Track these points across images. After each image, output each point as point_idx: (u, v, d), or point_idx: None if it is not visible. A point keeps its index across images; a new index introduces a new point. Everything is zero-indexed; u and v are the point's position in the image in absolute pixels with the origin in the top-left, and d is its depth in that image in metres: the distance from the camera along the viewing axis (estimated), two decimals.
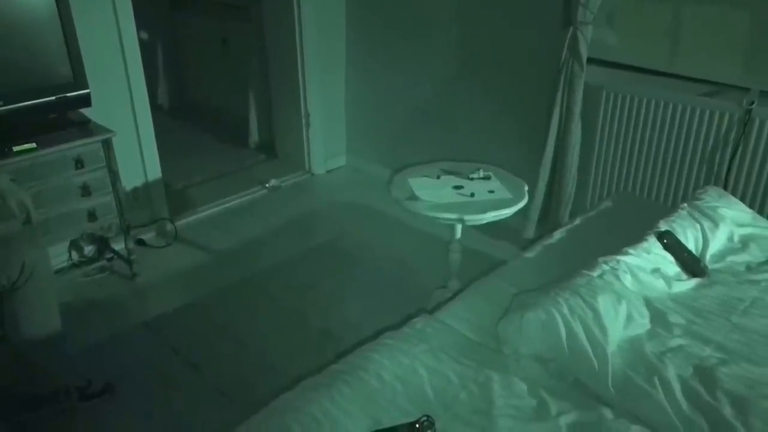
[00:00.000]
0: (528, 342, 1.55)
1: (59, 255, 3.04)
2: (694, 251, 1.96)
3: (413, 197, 2.35)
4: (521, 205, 2.37)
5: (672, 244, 1.93)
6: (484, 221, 2.31)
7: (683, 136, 2.69)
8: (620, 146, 2.90)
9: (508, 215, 2.33)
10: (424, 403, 1.43)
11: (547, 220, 3.17)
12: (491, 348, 1.61)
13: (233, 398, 2.34)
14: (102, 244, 3.16)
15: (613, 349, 1.50)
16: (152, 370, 2.47)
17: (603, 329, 1.50)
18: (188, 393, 2.36)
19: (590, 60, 2.83)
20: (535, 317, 1.53)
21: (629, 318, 1.60)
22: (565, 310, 1.52)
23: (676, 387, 1.41)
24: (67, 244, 3.07)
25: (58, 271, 2.99)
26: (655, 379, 1.42)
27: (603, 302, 1.56)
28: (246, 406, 2.26)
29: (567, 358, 1.50)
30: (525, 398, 1.43)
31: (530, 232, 3.20)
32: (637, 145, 2.84)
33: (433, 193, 2.38)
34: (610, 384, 1.42)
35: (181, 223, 3.53)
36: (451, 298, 1.86)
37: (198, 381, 2.42)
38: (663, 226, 1.98)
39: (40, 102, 2.61)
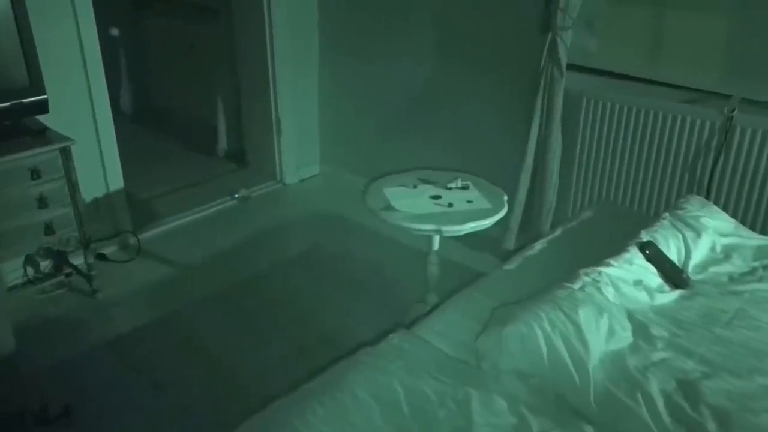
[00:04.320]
0: (508, 357, 1.56)
1: (13, 271, 2.98)
2: (676, 262, 2.00)
3: (389, 207, 2.37)
4: (501, 215, 2.40)
5: (654, 255, 1.96)
6: (463, 232, 2.33)
7: (664, 144, 2.74)
8: (601, 154, 2.94)
9: (487, 226, 2.36)
10: (401, 421, 1.44)
11: (528, 230, 3.21)
12: (470, 364, 1.62)
13: (200, 421, 2.31)
14: (60, 258, 3.11)
15: (594, 364, 1.52)
16: (114, 392, 2.44)
17: (584, 343, 1.52)
18: (152, 416, 2.33)
19: (570, 66, 2.88)
20: (515, 332, 1.55)
21: (611, 331, 1.62)
22: (546, 324, 1.54)
23: (659, 402, 1.43)
24: (21, 259, 3.01)
25: (12, 288, 2.93)
26: (638, 394, 1.44)
27: (584, 316, 1.59)
28: (214, 429, 2.27)
29: (548, 374, 1.52)
30: (505, 416, 1.44)
31: (510, 242, 3.23)
32: (618, 153, 2.89)
33: (409, 203, 2.39)
34: (592, 400, 1.44)
35: (145, 236, 3.50)
36: (428, 313, 1.87)
37: (163, 403, 2.39)
38: (645, 237, 2.02)
39: None
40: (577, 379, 1.47)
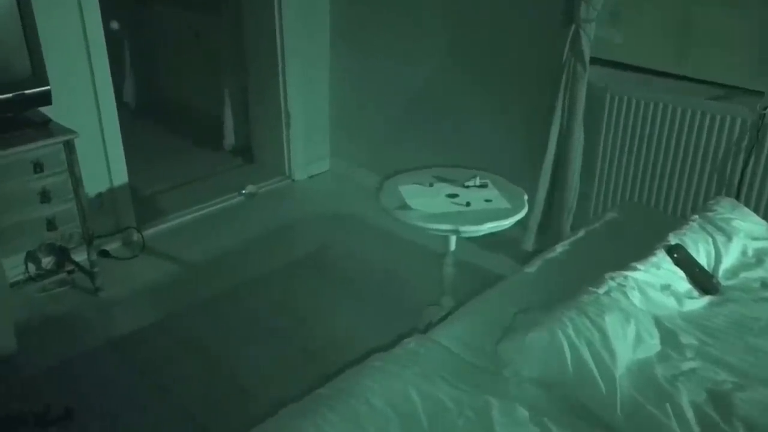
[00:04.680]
0: (530, 364, 1.55)
1: (14, 267, 2.99)
2: (706, 266, 1.98)
3: (404, 206, 2.35)
4: (520, 215, 2.38)
5: (683, 259, 1.94)
6: (482, 233, 2.31)
7: (692, 143, 2.71)
8: (625, 152, 2.92)
9: (507, 226, 2.34)
10: (417, 431, 1.42)
11: (548, 231, 3.19)
12: (489, 371, 1.61)
13: (204, 424, 2.31)
14: (62, 255, 3.12)
15: (621, 373, 1.50)
16: (116, 394, 2.44)
17: (611, 351, 1.50)
18: (155, 419, 2.33)
19: (593, 60, 2.85)
20: (539, 338, 1.53)
21: (638, 339, 1.60)
22: (571, 331, 1.52)
23: (689, 413, 1.42)
24: (22, 255, 3.02)
25: (13, 285, 2.93)
26: (667, 405, 1.43)
27: (611, 322, 1.57)
28: None
29: (572, 383, 1.50)
30: (527, 426, 1.43)
31: (529, 243, 3.21)
32: (643, 152, 2.86)
33: (425, 202, 2.38)
34: (618, 411, 1.43)
35: (149, 232, 3.50)
36: (445, 317, 1.86)
37: (166, 405, 2.39)
38: (673, 240, 2.00)
39: None
40: (603, 388, 1.45)
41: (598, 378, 1.47)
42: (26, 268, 3.05)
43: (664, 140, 2.79)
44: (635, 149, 2.88)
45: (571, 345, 1.50)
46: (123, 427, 2.30)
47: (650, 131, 2.82)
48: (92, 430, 2.28)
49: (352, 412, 1.46)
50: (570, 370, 1.50)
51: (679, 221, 2.20)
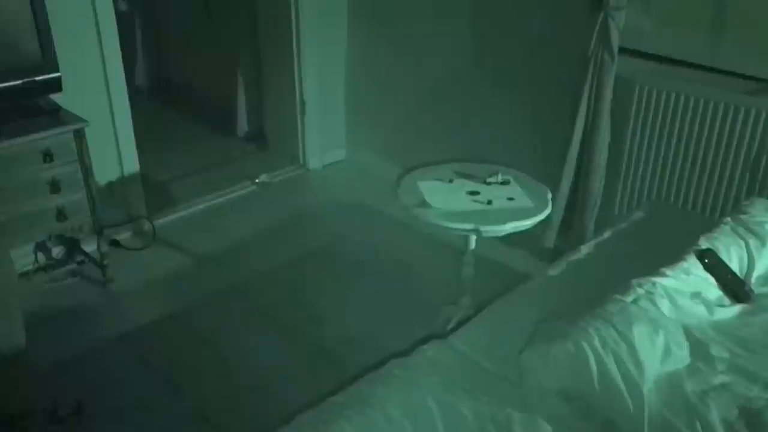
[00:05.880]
0: (554, 377, 1.53)
1: (24, 257, 3.01)
2: (738, 272, 1.94)
3: (423, 204, 2.33)
4: (544, 215, 2.35)
5: (714, 265, 1.91)
6: (503, 233, 2.29)
7: (725, 139, 2.66)
8: (653, 148, 2.87)
9: (528, 227, 2.31)
10: None
11: (571, 228, 3.16)
12: (512, 381, 1.59)
13: (215, 423, 2.32)
14: (72, 245, 3.13)
15: (649, 387, 1.48)
16: (126, 390, 2.46)
17: (638, 364, 1.48)
18: (165, 416, 2.35)
19: (622, 50, 2.80)
20: (563, 350, 1.51)
21: (667, 351, 1.57)
22: (597, 343, 1.50)
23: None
24: (31, 246, 3.04)
25: (23, 275, 2.97)
26: (697, 423, 1.40)
27: (638, 333, 1.54)
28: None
29: (598, 397, 1.48)
30: None
31: (551, 240, 3.18)
32: (672, 147, 2.82)
33: (445, 199, 2.35)
34: (646, 428, 1.40)
35: (160, 222, 3.51)
36: (465, 321, 1.84)
37: (176, 403, 2.41)
38: (704, 244, 1.96)
39: (4, 87, 2.58)
40: (630, 403, 1.43)
41: (625, 393, 1.44)
42: (35, 257, 3.07)
43: (694, 136, 2.74)
44: (664, 144, 2.84)
45: (597, 358, 1.48)
46: (132, 423, 2.32)
47: (680, 126, 2.77)
48: (102, 425, 2.30)
49: (368, 423, 1.45)
50: (596, 384, 1.47)
51: (709, 222, 2.16)
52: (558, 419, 1.47)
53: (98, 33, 3.01)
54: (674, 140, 2.80)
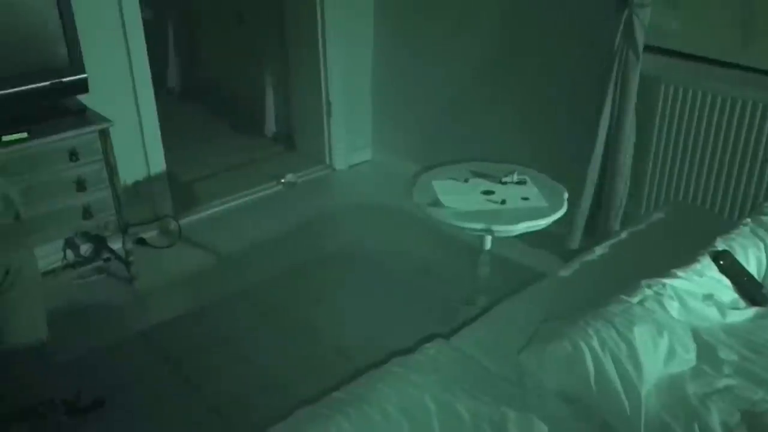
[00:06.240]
0: (552, 377, 1.53)
1: (53, 254, 3.13)
2: (755, 275, 1.91)
3: (436, 203, 2.35)
4: (558, 215, 2.35)
5: (729, 266, 1.89)
6: (515, 233, 2.30)
7: (753, 139, 2.61)
8: (680, 147, 2.84)
9: (542, 227, 2.31)
10: None
11: (595, 229, 3.13)
12: (511, 382, 1.60)
13: (230, 419, 2.38)
14: (99, 243, 3.24)
15: (648, 389, 1.48)
16: (145, 385, 2.53)
17: (638, 366, 1.48)
18: (182, 411, 2.41)
19: (647, 47, 2.77)
20: (560, 350, 1.51)
21: (671, 353, 1.57)
22: (595, 343, 1.50)
23: None
24: (61, 242, 3.15)
25: (51, 272, 3.08)
26: (695, 425, 1.40)
27: (640, 334, 1.54)
28: (243, 429, 2.33)
29: (595, 398, 1.48)
30: None
31: (575, 241, 3.16)
32: (699, 147, 2.78)
33: (458, 198, 2.37)
34: (642, 430, 1.40)
35: (186, 221, 3.60)
36: (470, 321, 1.86)
37: (194, 398, 2.47)
38: (720, 245, 1.94)
39: (32, 88, 2.68)
40: (627, 405, 1.43)
41: (622, 394, 1.44)
42: (64, 254, 3.18)
43: (721, 135, 2.70)
44: (690, 144, 2.80)
45: (595, 358, 1.48)
46: (151, 418, 2.38)
47: (707, 125, 2.73)
48: (121, 419, 2.37)
49: (365, 419, 1.48)
50: (592, 384, 1.48)
51: (730, 224, 2.14)
52: (556, 420, 1.48)
53: (125, 35, 3.10)
54: (701, 139, 2.77)
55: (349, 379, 1.65)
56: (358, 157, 4.32)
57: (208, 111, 5.14)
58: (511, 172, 2.49)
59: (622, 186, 2.99)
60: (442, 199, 2.36)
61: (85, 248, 3.27)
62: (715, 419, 1.42)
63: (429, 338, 1.78)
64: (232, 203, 3.83)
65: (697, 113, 2.75)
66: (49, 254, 3.09)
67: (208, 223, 3.66)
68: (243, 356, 2.68)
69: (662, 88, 2.81)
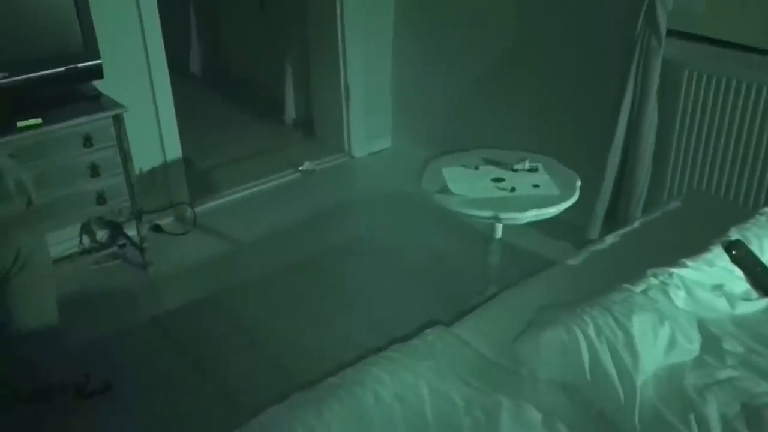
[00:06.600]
0: (546, 364, 1.53)
1: (70, 239, 3.20)
2: None
3: (445, 190, 2.35)
4: (569, 203, 2.33)
5: (742, 257, 1.86)
6: (524, 221, 2.29)
7: None
8: (703, 135, 2.80)
9: (552, 214, 2.30)
10: (421, 427, 1.45)
11: (616, 219, 3.10)
12: (508, 369, 1.60)
13: (239, 403, 2.41)
14: (115, 229, 3.30)
15: (645, 379, 1.47)
16: (155, 370, 2.58)
17: (634, 354, 1.47)
18: (191, 396, 2.46)
19: (670, 32, 2.74)
20: (555, 337, 1.51)
21: (672, 342, 1.55)
22: (591, 331, 1.49)
23: (716, 428, 1.36)
24: (78, 227, 3.22)
25: (68, 257, 3.15)
26: (691, 416, 1.38)
27: (639, 323, 1.52)
28: (251, 413, 2.36)
29: (589, 386, 1.47)
30: (537, 429, 1.42)
31: (595, 231, 3.13)
32: (723, 135, 2.74)
33: (467, 186, 2.37)
34: (636, 420, 1.39)
35: (201, 208, 3.65)
36: (471, 309, 1.86)
37: (203, 383, 2.51)
38: (734, 235, 1.91)
39: (47, 73, 2.74)
40: (621, 394, 1.42)
41: (617, 383, 1.43)
42: (81, 240, 3.25)
43: (746, 123, 2.66)
44: (714, 132, 2.76)
45: (590, 345, 1.48)
46: (160, 403, 2.43)
47: (731, 112, 2.69)
48: (129, 403, 2.42)
49: (358, 403, 1.49)
50: (587, 372, 1.47)
51: (747, 213, 2.10)
52: (549, 408, 1.48)
53: (141, 21, 3.14)
54: (725, 127, 2.72)
55: (349, 364, 1.66)
56: (377, 145, 4.33)
57: (230, 97, 5.19)
58: (523, 160, 2.47)
59: (644, 174, 2.95)
60: (451, 186, 2.36)
61: (102, 234, 3.34)
62: (712, 410, 1.40)
63: (430, 324, 1.79)
64: (249, 191, 3.87)
65: (721, 100, 2.70)
66: (65, 240, 3.16)
67: (223, 211, 3.70)
68: (254, 342, 2.72)
69: (685, 73, 2.78)
